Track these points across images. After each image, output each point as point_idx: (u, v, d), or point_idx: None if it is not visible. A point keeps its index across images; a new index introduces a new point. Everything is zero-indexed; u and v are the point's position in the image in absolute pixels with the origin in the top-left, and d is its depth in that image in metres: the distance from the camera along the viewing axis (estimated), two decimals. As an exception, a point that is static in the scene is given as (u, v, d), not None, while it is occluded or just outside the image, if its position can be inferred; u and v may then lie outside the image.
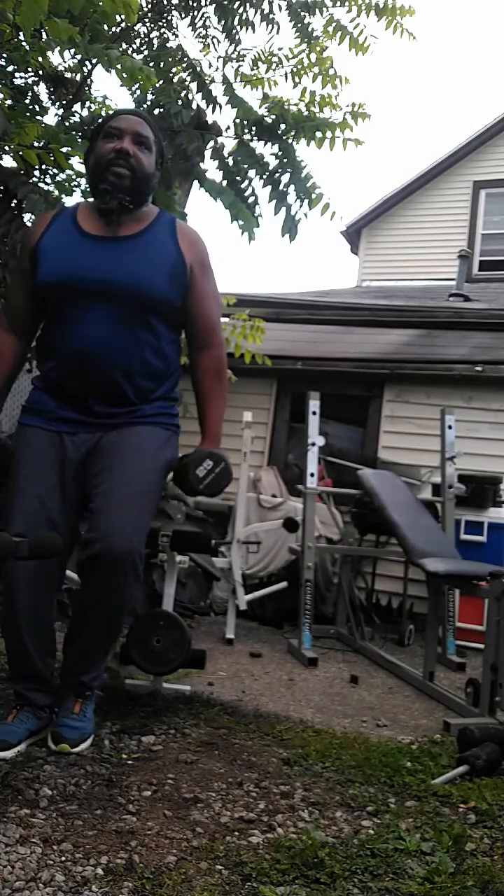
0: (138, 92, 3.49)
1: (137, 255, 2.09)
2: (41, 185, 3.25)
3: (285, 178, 3.72)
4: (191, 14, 4.42)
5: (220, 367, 2.25)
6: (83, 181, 3.77)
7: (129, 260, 2.07)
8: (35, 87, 3.79)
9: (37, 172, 3.22)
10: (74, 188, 3.77)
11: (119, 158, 2.07)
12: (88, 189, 2.22)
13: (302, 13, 4.11)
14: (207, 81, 3.92)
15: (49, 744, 2.01)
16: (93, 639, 2.11)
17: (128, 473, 2.03)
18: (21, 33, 2.51)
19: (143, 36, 4.63)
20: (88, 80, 4.06)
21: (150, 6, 4.47)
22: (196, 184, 3.60)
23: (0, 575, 2.04)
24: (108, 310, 2.04)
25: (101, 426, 2.09)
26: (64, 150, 2.59)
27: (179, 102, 3.48)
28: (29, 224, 2.82)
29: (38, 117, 3.19)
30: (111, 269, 2.05)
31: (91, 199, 2.20)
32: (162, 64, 3.93)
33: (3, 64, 2.95)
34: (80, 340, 2.04)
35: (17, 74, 3.40)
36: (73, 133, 2.77)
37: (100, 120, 2.26)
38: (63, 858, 1.49)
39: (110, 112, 2.27)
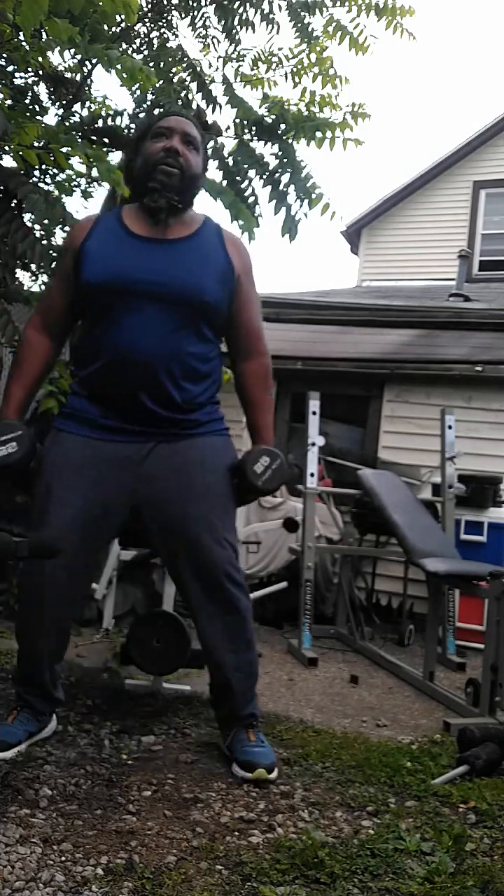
0: (138, 92, 3.48)
1: (188, 258, 2.06)
2: (41, 185, 3.24)
3: (285, 178, 3.71)
4: (191, 14, 4.41)
5: (267, 375, 2.22)
6: (83, 181, 3.77)
7: (180, 262, 2.04)
8: (35, 87, 3.79)
9: (37, 172, 3.21)
10: (74, 188, 3.77)
11: (168, 157, 2.04)
12: (133, 191, 2.16)
13: (302, 13, 4.11)
14: (207, 81, 3.92)
15: (241, 773, 1.97)
16: (242, 659, 2.09)
17: (200, 490, 2.03)
18: (21, 33, 2.50)
19: (143, 36, 4.62)
20: (88, 80, 4.05)
21: (150, 6, 4.47)
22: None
23: (19, 579, 2.04)
24: (156, 312, 2.00)
25: (150, 434, 2.05)
26: (64, 150, 2.58)
27: (179, 102, 3.48)
28: (29, 224, 2.82)
29: (38, 117, 3.19)
30: (162, 271, 2.01)
31: (132, 204, 2.17)
32: (162, 64, 3.92)
33: (3, 64, 2.95)
34: (127, 343, 2.00)
35: (17, 74, 3.40)
36: (73, 133, 2.76)
37: (146, 122, 2.22)
38: (63, 858, 1.49)
39: (160, 113, 2.24)
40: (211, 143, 3.67)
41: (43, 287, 4.04)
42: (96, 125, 3.52)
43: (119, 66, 2.56)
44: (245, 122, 3.82)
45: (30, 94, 3.56)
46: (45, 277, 4.07)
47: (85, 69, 4.01)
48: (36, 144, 2.58)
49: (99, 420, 2.05)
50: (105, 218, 2.15)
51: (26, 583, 2.06)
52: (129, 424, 2.04)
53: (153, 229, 2.08)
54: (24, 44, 2.62)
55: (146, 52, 4.38)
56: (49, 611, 2.02)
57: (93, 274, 2.04)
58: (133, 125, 3.51)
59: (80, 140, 2.64)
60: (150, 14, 4.45)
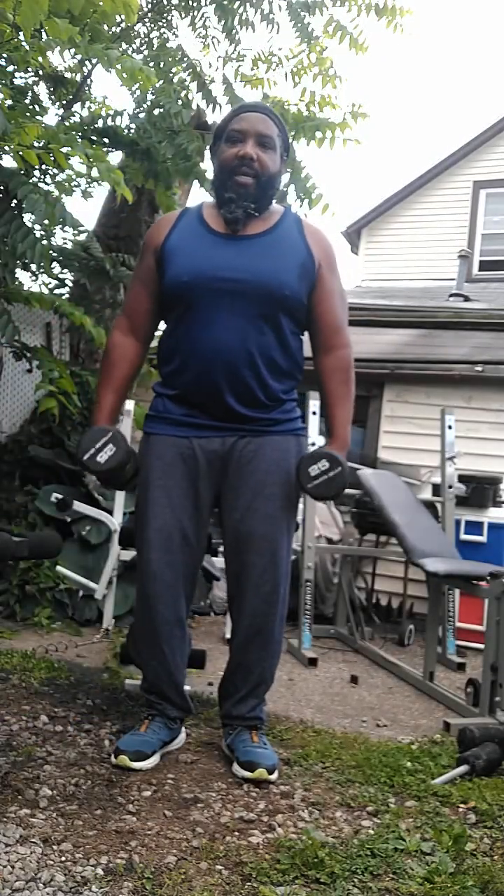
0: (138, 92, 3.48)
1: (268, 252, 2.05)
2: (41, 185, 3.24)
3: (285, 177, 3.71)
4: (191, 14, 4.42)
5: (347, 369, 2.15)
6: (83, 181, 3.77)
7: (260, 258, 2.03)
8: (35, 87, 3.79)
9: (37, 172, 3.21)
10: (74, 188, 3.77)
11: (242, 165, 2.02)
12: (213, 191, 2.15)
13: (302, 13, 4.12)
14: (207, 81, 3.92)
15: (241, 772, 1.98)
16: (259, 670, 2.13)
17: (268, 490, 2.06)
18: (21, 33, 2.50)
19: (143, 36, 4.63)
20: (88, 80, 4.06)
21: (150, 6, 4.47)
22: (196, 184, 3.60)
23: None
24: (238, 309, 2.00)
25: (232, 430, 2.06)
26: (64, 150, 2.58)
27: (179, 102, 3.48)
28: (29, 224, 2.82)
29: (38, 117, 3.18)
30: (242, 268, 2.01)
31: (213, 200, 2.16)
32: (162, 64, 3.92)
33: (3, 64, 2.95)
34: (212, 342, 2.01)
35: (17, 74, 3.39)
36: (73, 133, 2.76)
37: (222, 118, 2.16)
38: (63, 858, 1.49)
39: (235, 109, 2.15)
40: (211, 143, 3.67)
41: (38, 287, 4.04)
42: (96, 125, 3.52)
43: (119, 66, 2.56)
44: (245, 122, 3.82)
45: (30, 94, 3.56)
46: (45, 277, 4.08)
47: (85, 69, 4.02)
48: (36, 144, 2.58)
49: (182, 419, 2.08)
50: (187, 213, 2.15)
51: (137, 588, 2.11)
52: (212, 421, 2.07)
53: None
54: (24, 44, 2.62)
55: (146, 52, 4.39)
56: (162, 612, 2.06)
57: (176, 273, 2.04)
58: (133, 125, 3.51)
59: (80, 140, 2.64)
60: (150, 14, 4.46)
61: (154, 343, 2.25)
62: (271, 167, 2.07)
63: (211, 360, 2.01)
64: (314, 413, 3.92)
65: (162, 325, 2.22)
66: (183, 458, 2.05)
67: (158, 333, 2.25)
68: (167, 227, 2.12)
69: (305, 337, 2.18)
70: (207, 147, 3.71)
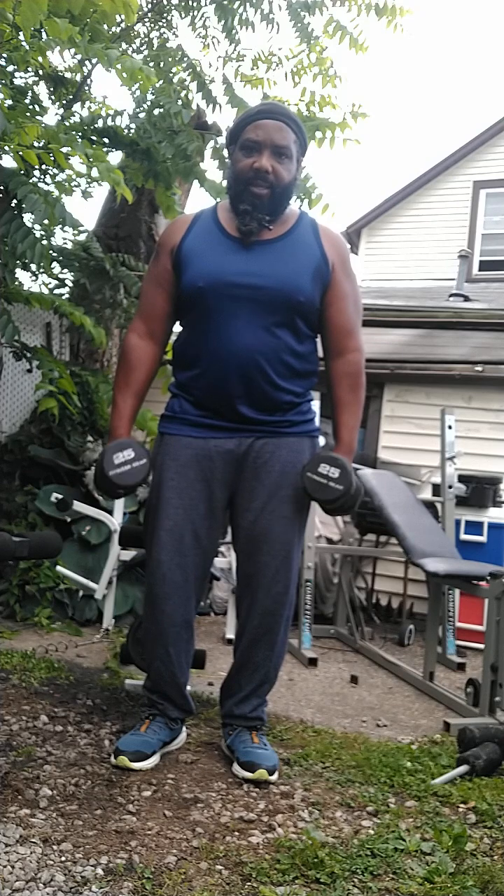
0: (138, 92, 3.48)
1: (283, 257, 2.04)
2: (41, 185, 3.25)
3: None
4: (191, 14, 4.42)
5: (356, 374, 2.13)
6: (83, 181, 3.77)
7: (275, 263, 2.02)
8: (35, 87, 3.80)
9: (37, 172, 3.22)
10: (74, 188, 3.77)
11: (258, 178, 2.00)
12: (228, 196, 2.11)
13: (302, 13, 4.12)
14: (207, 81, 3.92)
15: (242, 773, 1.98)
16: (265, 670, 2.13)
17: (286, 492, 2.06)
18: (21, 33, 2.50)
19: (143, 36, 4.64)
20: (88, 80, 4.06)
21: (150, 6, 4.48)
22: (196, 184, 3.60)
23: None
24: (254, 315, 2.00)
25: (248, 432, 2.06)
26: (64, 150, 2.58)
27: (179, 102, 3.47)
28: (29, 224, 2.82)
29: (38, 117, 3.18)
30: (259, 274, 2.00)
31: (227, 202, 2.14)
32: (162, 64, 3.93)
33: (3, 64, 2.95)
34: (228, 353, 2.00)
35: (17, 74, 3.40)
36: (73, 133, 2.76)
37: (236, 120, 2.11)
38: (63, 858, 1.50)
39: (247, 110, 2.09)
40: (211, 143, 3.67)
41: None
42: (96, 125, 3.52)
43: (119, 66, 2.56)
44: (245, 122, 3.82)
45: (30, 94, 3.56)
46: (45, 277, 4.08)
47: (85, 69, 4.02)
48: (36, 144, 2.59)
49: (199, 419, 2.08)
50: (203, 216, 2.14)
51: (146, 588, 2.11)
52: (229, 423, 2.07)
53: None
54: (24, 44, 2.63)
55: (146, 52, 4.39)
56: (170, 613, 2.06)
57: (190, 278, 2.03)
58: (133, 125, 3.51)
59: (80, 140, 2.64)
60: (150, 14, 4.47)
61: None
62: (287, 177, 2.04)
63: (227, 371, 2.01)
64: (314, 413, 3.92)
65: (177, 327, 2.22)
66: (198, 458, 2.05)
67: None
68: (183, 230, 2.10)
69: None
70: (207, 147, 3.73)
